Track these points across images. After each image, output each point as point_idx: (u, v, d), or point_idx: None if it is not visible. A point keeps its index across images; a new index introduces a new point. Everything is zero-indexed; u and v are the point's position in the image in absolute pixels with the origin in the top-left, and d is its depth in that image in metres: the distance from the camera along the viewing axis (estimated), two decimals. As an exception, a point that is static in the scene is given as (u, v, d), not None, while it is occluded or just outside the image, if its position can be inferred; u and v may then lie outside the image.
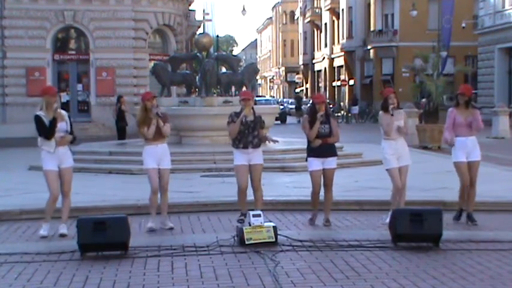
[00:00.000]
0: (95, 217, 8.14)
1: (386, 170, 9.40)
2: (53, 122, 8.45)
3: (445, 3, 40.08)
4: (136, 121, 9.28)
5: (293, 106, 57.00)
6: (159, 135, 9.05)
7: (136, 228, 8.94)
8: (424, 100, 27.48)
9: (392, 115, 9.21)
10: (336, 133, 9.24)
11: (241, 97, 9.42)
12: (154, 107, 9.01)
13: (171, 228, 9.10)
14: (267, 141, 9.63)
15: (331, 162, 9.21)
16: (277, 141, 9.90)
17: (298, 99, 52.08)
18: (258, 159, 9.27)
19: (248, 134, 9.14)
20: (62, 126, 8.59)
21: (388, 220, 9.14)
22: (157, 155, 9.10)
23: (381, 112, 9.45)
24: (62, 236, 8.59)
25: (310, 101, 9.79)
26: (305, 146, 9.49)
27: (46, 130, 8.48)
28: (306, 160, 9.38)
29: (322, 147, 9.13)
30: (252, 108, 9.29)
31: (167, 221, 9.22)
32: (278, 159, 15.70)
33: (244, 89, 19.61)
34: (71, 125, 8.75)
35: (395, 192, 9.35)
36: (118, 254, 7.55)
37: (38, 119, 8.50)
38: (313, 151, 9.21)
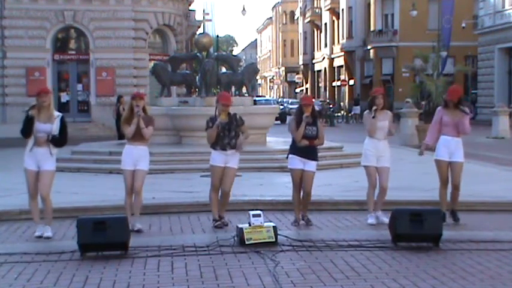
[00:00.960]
0: (95, 217, 8.13)
1: (363, 166, 9.45)
2: (29, 120, 8.31)
3: (445, 3, 40.11)
4: (122, 118, 9.25)
5: (294, 106, 57.00)
6: (139, 136, 8.94)
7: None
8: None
9: (373, 117, 9.24)
10: (321, 136, 9.24)
11: (221, 102, 9.12)
12: (136, 107, 8.89)
13: (139, 231, 8.81)
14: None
15: (311, 166, 9.20)
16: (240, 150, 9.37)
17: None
18: (233, 163, 9.17)
19: (224, 136, 9.07)
20: (45, 127, 8.37)
21: (369, 221, 9.20)
22: (133, 156, 8.99)
23: (366, 111, 9.51)
24: (47, 238, 8.45)
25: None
26: None
27: (23, 127, 8.40)
28: (287, 158, 9.38)
29: (306, 149, 9.15)
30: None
31: (137, 223, 8.96)
32: (278, 159, 15.65)
33: (244, 90, 19.61)
34: (63, 128, 8.48)
35: (370, 191, 9.37)
36: (118, 254, 7.55)
37: (25, 116, 8.43)
38: (295, 150, 9.23)
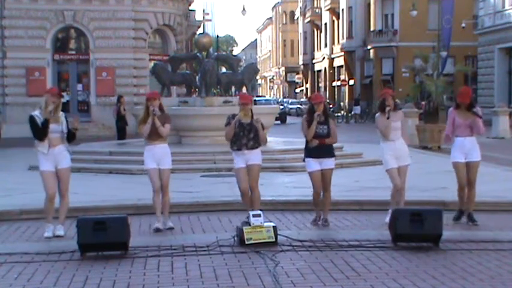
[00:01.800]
0: (95, 217, 8.13)
1: (386, 170, 9.39)
2: (45, 123, 8.42)
3: (445, 4, 40.07)
4: (138, 119, 9.34)
5: (293, 106, 57.09)
6: (156, 135, 9.05)
7: (136, 228, 8.94)
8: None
9: (388, 118, 9.18)
10: (333, 134, 9.20)
11: (241, 101, 9.28)
12: (151, 106, 9.01)
13: (171, 228, 9.10)
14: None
15: (328, 163, 9.19)
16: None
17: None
18: (255, 160, 9.18)
19: (243, 136, 9.07)
20: (57, 127, 8.54)
21: (387, 219, 9.16)
22: (156, 156, 9.10)
23: (377, 114, 9.43)
24: (58, 237, 8.57)
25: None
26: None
27: (38, 131, 8.48)
28: (303, 161, 9.37)
29: (319, 148, 9.11)
30: (251, 111, 9.21)
31: (168, 221, 9.22)
32: (278, 159, 15.69)
33: (244, 90, 19.61)
34: (67, 125, 8.70)
35: (394, 192, 9.35)
36: (118, 254, 7.55)
37: (31, 119, 8.51)
38: (310, 152, 9.19)
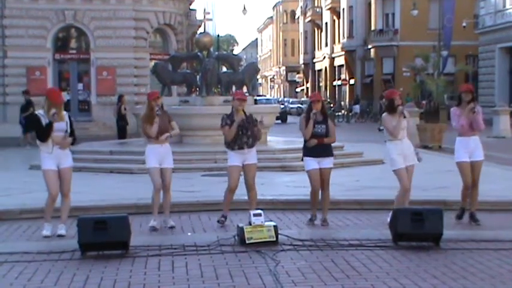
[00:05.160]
0: (96, 216, 8.13)
1: (394, 171, 9.19)
2: (49, 125, 8.41)
3: (445, 3, 40.07)
4: (141, 118, 9.37)
5: (294, 105, 57.02)
6: (165, 132, 9.11)
7: (137, 228, 8.94)
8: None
9: (405, 117, 8.99)
10: (332, 133, 9.18)
11: (237, 97, 9.36)
12: (156, 106, 9.09)
13: (172, 227, 9.13)
14: (260, 125, 9.27)
15: (327, 163, 9.18)
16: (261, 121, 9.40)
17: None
18: (252, 159, 9.27)
19: (243, 134, 9.13)
20: (61, 125, 8.54)
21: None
22: (159, 155, 9.14)
23: (385, 114, 9.25)
24: (60, 236, 8.57)
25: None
26: None
27: (41, 131, 8.48)
28: (302, 160, 9.36)
29: (318, 148, 9.10)
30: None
31: (169, 219, 9.25)
32: (279, 159, 15.68)
33: (244, 89, 19.60)
34: (71, 125, 8.71)
35: (402, 193, 9.12)
36: (119, 253, 7.55)
37: (36, 118, 8.51)
38: (309, 151, 9.19)
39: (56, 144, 8.53)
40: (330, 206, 9.45)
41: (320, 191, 9.26)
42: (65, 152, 8.65)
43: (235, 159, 9.20)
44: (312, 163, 9.14)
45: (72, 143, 8.79)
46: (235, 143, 9.14)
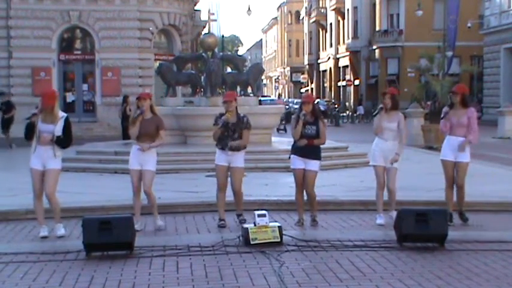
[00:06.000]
0: (100, 217, 8.14)
1: (371, 165, 9.45)
2: (30, 126, 8.39)
3: (450, 3, 40.00)
4: (130, 120, 9.35)
5: (297, 106, 56.82)
6: (146, 137, 8.94)
7: (141, 228, 8.95)
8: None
9: (376, 114, 9.31)
10: (322, 135, 9.18)
11: (224, 99, 9.34)
12: (142, 107, 8.93)
13: (160, 229, 8.99)
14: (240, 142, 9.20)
15: (313, 165, 9.15)
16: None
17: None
18: (237, 163, 9.19)
19: (227, 136, 9.09)
20: (48, 128, 8.40)
21: (378, 221, 9.16)
22: (140, 156, 9.00)
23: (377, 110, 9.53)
24: (61, 237, 8.53)
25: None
26: None
27: (25, 130, 8.49)
28: (289, 158, 9.38)
29: (305, 148, 9.10)
30: (236, 109, 9.22)
31: (157, 220, 9.13)
32: (283, 159, 15.62)
33: (249, 90, 19.62)
34: (66, 128, 8.49)
35: (378, 192, 9.34)
36: (123, 254, 7.56)
37: (28, 118, 8.53)
38: (296, 150, 9.22)
39: (41, 145, 8.44)
40: (332, 206, 9.45)
41: (305, 192, 9.26)
42: (47, 152, 8.42)
43: (220, 158, 9.20)
44: (298, 162, 9.17)
45: (64, 147, 8.59)
46: (219, 143, 9.17)
